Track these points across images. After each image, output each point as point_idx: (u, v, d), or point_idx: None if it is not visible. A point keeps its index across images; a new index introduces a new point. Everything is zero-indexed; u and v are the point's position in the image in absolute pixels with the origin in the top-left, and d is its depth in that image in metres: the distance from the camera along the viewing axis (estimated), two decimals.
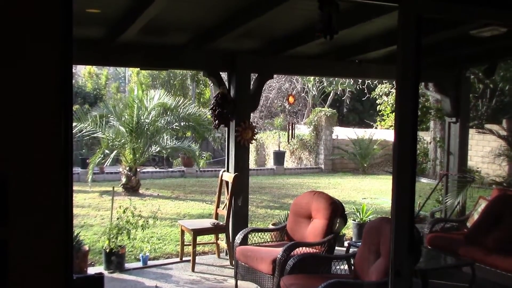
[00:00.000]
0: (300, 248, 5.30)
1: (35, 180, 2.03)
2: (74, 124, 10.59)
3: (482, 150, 14.08)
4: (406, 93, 2.66)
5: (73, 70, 2.20)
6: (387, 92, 18.93)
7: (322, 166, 17.86)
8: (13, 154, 1.99)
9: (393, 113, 19.56)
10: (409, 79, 2.66)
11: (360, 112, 26.80)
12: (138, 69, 17.14)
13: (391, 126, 20.41)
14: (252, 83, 7.22)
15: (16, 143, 1.99)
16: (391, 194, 2.68)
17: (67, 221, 2.08)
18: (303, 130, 19.58)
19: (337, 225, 5.42)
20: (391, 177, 2.72)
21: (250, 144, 7.14)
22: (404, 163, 2.63)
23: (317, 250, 5.40)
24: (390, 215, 2.87)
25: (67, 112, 2.05)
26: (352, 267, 5.04)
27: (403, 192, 2.61)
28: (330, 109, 19.26)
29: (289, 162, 18.62)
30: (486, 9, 2.88)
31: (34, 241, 2.05)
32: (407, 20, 2.62)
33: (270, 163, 18.36)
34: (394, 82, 16.89)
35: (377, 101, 19.88)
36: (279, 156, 17.57)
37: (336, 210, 5.53)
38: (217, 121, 6.87)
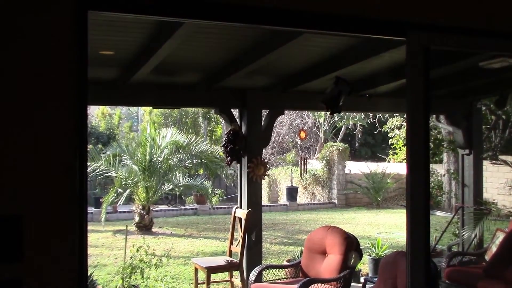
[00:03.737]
0: (316, 284, 5.22)
1: (50, 221, 2.05)
2: (87, 164, 10.71)
3: (497, 181, 13.91)
4: (416, 126, 2.67)
5: (87, 111, 2.25)
6: (398, 125, 18.89)
7: (336, 201, 17.72)
8: (29, 195, 2.02)
9: (406, 146, 19.50)
10: (419, 112, 2.66)
11: (372, 146, 26.72)
12: (151, 108, 17.35)
13: (404, 159, 20.26)
14: (263, 119, 7.27)
15: (31, 185, 2.02)
16: (406, 227, 2.65)
17: (82, 261, 2.09)
18: (316, 165, 19.52)
19: (353, 259, 5.35)
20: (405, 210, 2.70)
21: (262, 180, 7.14)
22: (417, 195, 2.61)
23: (332, 286, 5.31)
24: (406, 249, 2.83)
25: (82, 154, 2.09)
26: None
27: (418, 225, 2.59)
28: (342, 143, 19.25)
29: (302, 198, 18.50)
30: (493, 41, 2.90)
31: (48, 280, 2.05)
32: (414, 53, 2.65)
33: (283, 199, 18.26)
34: (405, 115, 16.88)
35: (389, 135, 19.83)
36: (292, 192, 17.48)
37: (351, 245, 5.46)
38: (229, 158, 6.91)
